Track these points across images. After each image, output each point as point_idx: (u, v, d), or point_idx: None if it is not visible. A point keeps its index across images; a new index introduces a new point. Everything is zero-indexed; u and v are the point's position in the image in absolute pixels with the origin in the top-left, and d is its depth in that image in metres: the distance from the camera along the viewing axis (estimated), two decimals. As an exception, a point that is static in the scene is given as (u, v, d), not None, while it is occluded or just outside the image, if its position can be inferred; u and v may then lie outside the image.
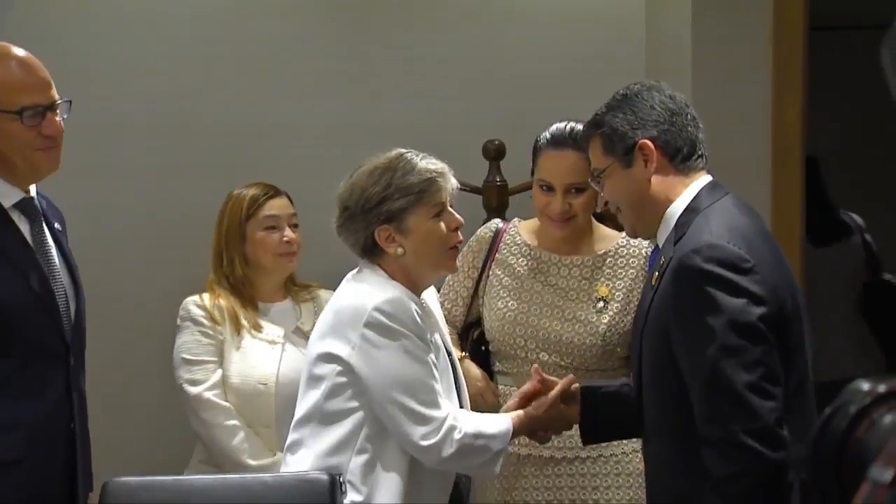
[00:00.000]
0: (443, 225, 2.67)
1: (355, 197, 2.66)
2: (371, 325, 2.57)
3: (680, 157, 2.49)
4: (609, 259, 3.15)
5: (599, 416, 2.74)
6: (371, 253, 2.68)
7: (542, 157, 3.10)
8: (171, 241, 4.24)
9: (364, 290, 2.63)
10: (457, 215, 2.70)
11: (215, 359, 3.35)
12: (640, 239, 3.01)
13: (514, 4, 4.40)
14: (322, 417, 2.63)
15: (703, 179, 2.51)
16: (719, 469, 2.29)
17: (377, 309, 2.57)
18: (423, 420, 2.57)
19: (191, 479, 2.90)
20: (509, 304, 3.13)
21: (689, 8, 3.93)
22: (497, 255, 3.19)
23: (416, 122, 4.21)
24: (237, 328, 3.36)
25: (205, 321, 3.37)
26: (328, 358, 2.62)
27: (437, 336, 2.72)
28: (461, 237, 2.72)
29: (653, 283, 2.48)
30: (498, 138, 4.18)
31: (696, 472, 2.33)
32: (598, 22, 4.37)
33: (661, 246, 2.52)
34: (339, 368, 2.61)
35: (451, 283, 3.22)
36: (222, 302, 3.38)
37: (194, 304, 3.39)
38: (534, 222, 3.23)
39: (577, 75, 4.33)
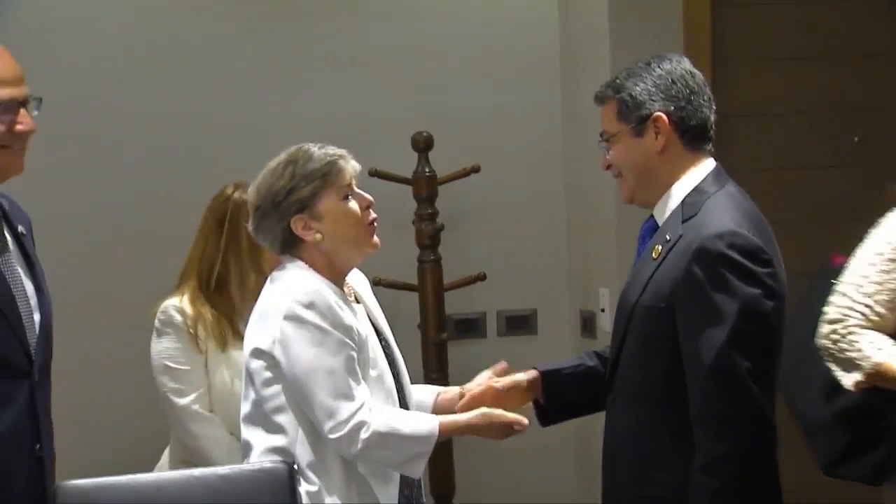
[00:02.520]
0: (354, 204, 2.70)
1: (263, 194, 2.68)
2: (289, 317, 2.60)
3: (690, 136, 2.49)
4: None
5: (561, 397, 2.78)
6: (290, 246, 2.70)
7: None
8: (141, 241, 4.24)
9: (285, 284, 2.66)
10: (366, 194, 2.72)
11: (200, 368, 3.30)
12: None
13: (436, 2, 4.44)
14: (263, 414, 2.66)
15: (710, 163, 2.52)
16: (715, 448, 2.33)
17: (295, 301, 2.60)
18: (331, 413, 2.58)
19: (150, 477, 2.79)
20: None
21: (605, 4, 4.05)
22: None
23: (347, 116, 4.25)
24: (222, 334, 3.30)
25: (187, 328, 3.30)
26: (256, 353, 2.66)
27: (363, 326, 2.71)
28: (374, 214, 2.73)
29: (654, 255, 2.47)
30: (426, 130, 4.23)
31: (662, 438, 2.43)
32: (513, 20, 4.45)
33: (659, 219, 2.53)
34: (264, 363, 2.64)
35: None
36: (204, 309, 3.31)
37: (174, 309, 3.30)
38: None
39: (497, 69, 4.43)
